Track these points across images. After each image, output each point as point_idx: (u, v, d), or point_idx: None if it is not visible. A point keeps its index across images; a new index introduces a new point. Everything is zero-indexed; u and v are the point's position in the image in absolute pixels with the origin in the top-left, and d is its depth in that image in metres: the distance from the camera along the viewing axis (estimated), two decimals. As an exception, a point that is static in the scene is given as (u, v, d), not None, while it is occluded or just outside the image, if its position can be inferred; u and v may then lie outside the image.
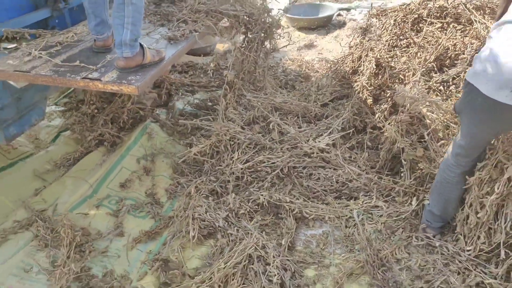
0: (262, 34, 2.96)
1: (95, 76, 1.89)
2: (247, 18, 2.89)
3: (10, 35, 2.36)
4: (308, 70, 3.76)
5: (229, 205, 2.30)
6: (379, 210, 2.30)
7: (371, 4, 4.05)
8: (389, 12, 2.98)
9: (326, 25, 5.16)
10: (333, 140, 2.61)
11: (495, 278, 1.81)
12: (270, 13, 2.98)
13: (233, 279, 1.88)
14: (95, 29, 2.10)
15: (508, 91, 1.54)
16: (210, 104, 3.24)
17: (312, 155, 2.56)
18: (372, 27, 3.09)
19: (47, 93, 2.75)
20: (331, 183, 2.45)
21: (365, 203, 2.33)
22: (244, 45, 2.94)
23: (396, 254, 2.05)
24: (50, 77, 1.88)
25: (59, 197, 2.48)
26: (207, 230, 2.18)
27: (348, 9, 5.54)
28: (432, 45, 2.58)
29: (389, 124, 2.45)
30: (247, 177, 2.48)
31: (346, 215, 2.28)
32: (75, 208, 2.41)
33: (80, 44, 2.25)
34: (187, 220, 2.20)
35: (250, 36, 2.94)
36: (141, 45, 1.97)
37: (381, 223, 2.21)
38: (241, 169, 2.48)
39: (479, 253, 1.88)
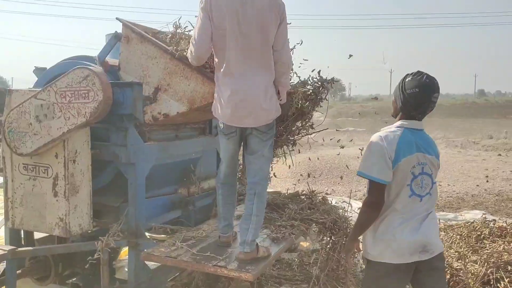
0: (345, 238, 3.56)
1: (222, 264, 2.55)
2: (332, 225, 3.55)
3: (157, 228, 3.22)
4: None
5: None
6: None
7: (438, 219, 4.60)
8: (455, 228, 3.51)
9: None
10: None
11: None
12: (350, 221, 3.64)
13: None
14: (223, 229, 2.86)
15: None
16: (296, 296, 3.69)
17: None
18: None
19: (168, 276, 3.44)
20: None
21: None
22: (329, 246, 3.54)
23: None
24: (190, 263, 2.58)
25: None
26: None
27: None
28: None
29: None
30: None
31: None
32: None
33: (208, 239, 3.00)
34: None
35: (334, 239, 3.55)
36: (256, 244, 2.66)
37: None
38: None
39: None
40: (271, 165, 2.95)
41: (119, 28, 3.04)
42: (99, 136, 3.07)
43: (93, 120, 2.68)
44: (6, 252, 2.82)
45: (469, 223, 3.74)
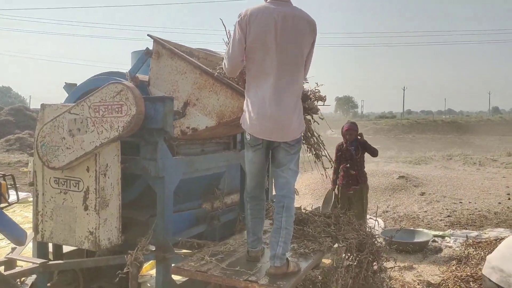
0: (371, 256, 3.51)
1: (253, 279, 2.53)
2: (359, 243, 3.50)
3: (184, 243, 3.22)
4: (410, 290, 4.08)
5: None
6: None
7: (466, 236, 4.51)
8: (484, 245, 3.43)
9: (422, 250, 5.57)
10: None
11: None
12: (377, 240, 3.59)
13: None
14: (252, 243, 2.84)
15: None
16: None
17: None
18: (469, 256, 3.50)
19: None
20: None
21: None
22: (355, 264, 3.48)
23: None
24: (221, 277, 2.56)
25: None
26: None
27: (443, 236, 5.97)
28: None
29: None
30: None
31: None
32: None
33: (236, 254, 2.98)
34: None
35: (361, 257, 3.49)
36: (286, 258, 2.64)
37: None
38: None
39: None
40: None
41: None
42: (128, 150, 3.11)
43: (125, 134, 2.71)
44: (38, 265, 2.84)
45: (497, 240, 3.65)
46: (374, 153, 5.47)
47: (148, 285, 4.32)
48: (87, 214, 2.85)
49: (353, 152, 5.41)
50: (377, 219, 3.71)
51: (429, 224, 7.04)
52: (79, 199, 2.88)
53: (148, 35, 3.04)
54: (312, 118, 3.34)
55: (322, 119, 3.51)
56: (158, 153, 2.93)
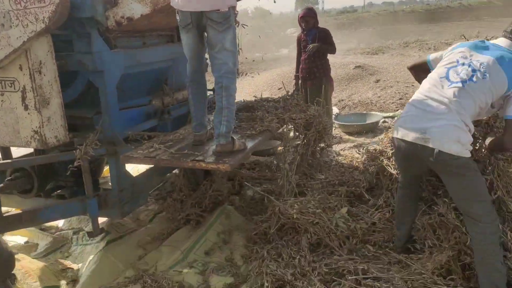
0: (318, 134, 3.70)
1: (200, 159, 2.65)
2: (305, 122, 3.66)
3: (133, 137, 3.27)
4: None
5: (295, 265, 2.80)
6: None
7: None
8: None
9: (373, 130, 5.89)
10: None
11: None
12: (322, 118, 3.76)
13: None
14: (195, 127, 2.93)
15: None
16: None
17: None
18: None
19: (150, 183, 3.56)
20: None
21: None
22: (304, 142, 3.68)
23: None
24: (169, 160, 2.67)
25: (158, 261, 3.11)
26: (278, 284, 2.67)
27: (392, 117, 6.29)
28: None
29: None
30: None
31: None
32: (171, 268, 3.02)
33: (184, 140, 3.08)
34: (261, 275, 2.72)
35: (308, 135, 3.68)
36: (232, 137, 2.75)
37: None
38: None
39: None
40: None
41: None
42: (62, 48, 2.98)
43: (53, 25, 2.57)
44: (-14, 166, 2.85)
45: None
46: (331, 50, 5.17)
47: (110, 184, 4.45)
48: (29, 113, 2.80)
49: (309, 42, 5.15)
50: (322, 98, 3.84)
51: (381, 107, 7.35)
52: (18, 99, 2.80)
53: None
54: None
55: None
56: (93, 46, 2.83)
